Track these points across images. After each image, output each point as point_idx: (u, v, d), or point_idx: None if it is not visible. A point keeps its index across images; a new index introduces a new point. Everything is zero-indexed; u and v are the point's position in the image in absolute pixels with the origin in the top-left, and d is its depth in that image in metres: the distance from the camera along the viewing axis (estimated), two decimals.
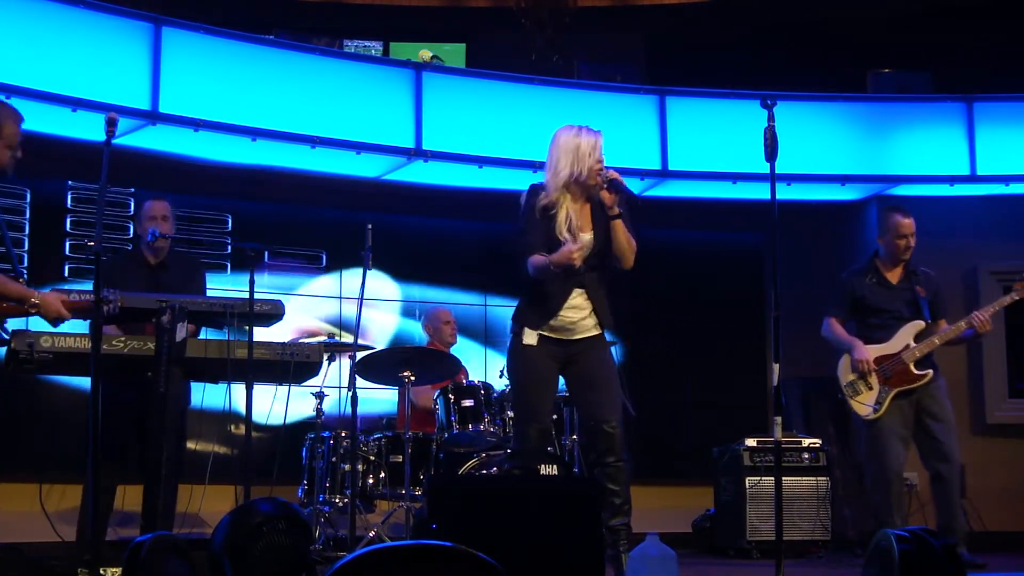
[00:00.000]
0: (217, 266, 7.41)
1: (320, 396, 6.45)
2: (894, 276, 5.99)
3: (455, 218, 8.26)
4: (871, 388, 5.86)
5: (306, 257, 7.86)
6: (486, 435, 6.19)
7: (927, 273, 6.05)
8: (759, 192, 7.41)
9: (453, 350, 7.00)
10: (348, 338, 7.05)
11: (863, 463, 6.10)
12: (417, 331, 7.79)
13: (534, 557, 4.02)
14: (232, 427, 5.92)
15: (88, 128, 6.27)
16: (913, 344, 5.86)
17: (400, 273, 8.07)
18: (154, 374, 4.89)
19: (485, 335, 8.23)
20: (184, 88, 6.62)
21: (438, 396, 6.33)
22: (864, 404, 5.87)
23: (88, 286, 4.85)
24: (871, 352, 5.89)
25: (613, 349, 5.16)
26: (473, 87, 7.59)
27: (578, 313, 4.83)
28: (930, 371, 5.86)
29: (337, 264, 7.90)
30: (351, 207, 7.88)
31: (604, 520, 4.84)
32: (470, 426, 6.16)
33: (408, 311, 8.00)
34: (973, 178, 7.84)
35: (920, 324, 5.90)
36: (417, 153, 7.22)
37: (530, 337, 4.81)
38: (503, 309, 8.22)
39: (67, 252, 6.93)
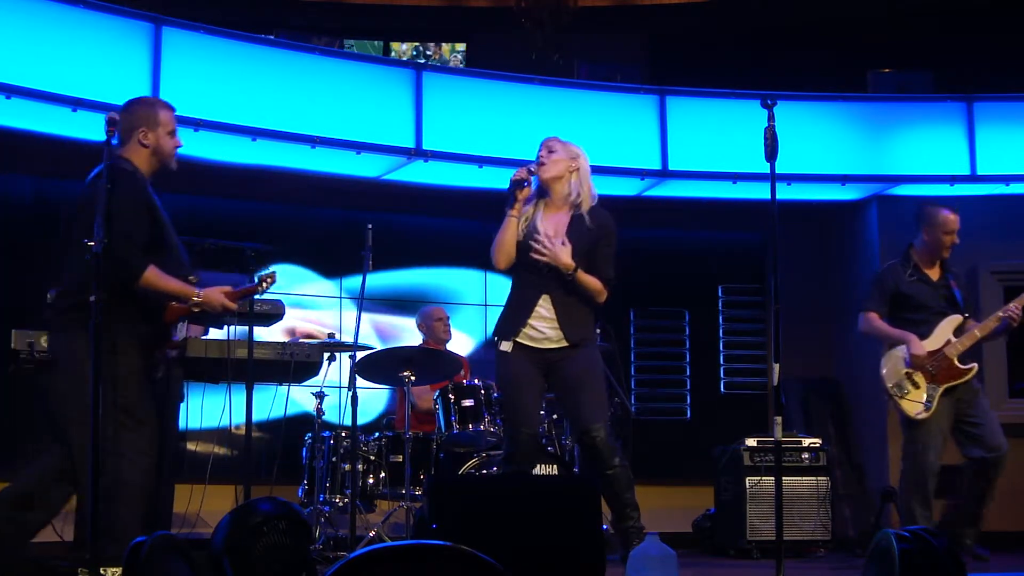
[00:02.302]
0: None
1: (320, 396, 6.45)
2: (933, 273, 5.90)
3: (455, 218, 8.26)
4: (918, 387, 5.73)
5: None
6: (486, 435, 6.19)
7: (956, 272, 5.98)
8: (759, 192, 7.40)
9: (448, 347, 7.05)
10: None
11: (905, 457, 5.92)
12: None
13: (534, 557, 4.02)
14: (232, 427, 5.91)
15: (88, 128, 6.26)
16: (954, 338, 5.77)
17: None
18: None
19: (485, 335, 8.23)
20: (184, 88, 6.61)
21: (438, 396, 6.33)
22: (914, 402, 5.72)
23: None
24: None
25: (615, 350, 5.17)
26: (473, 87, 7.58)
27: (545, 323, 4.86)
28: (974, 365, 5.76)
29: (337, 264, 7.90)
30: (351, 207, 7.88)
31: (613, 523, 4.86)
32: (470, 426, 6.16)
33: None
34: (973, 178, 7.82)
35: (958, 318, 5.80)
36: (417, 153, 7.22)
37: (506, 345, 4.87)
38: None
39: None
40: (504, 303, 5.03)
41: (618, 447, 4.89)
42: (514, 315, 4.89)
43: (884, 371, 5.83)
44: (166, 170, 4.48)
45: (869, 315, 5.92)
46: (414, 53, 9.86)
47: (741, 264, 8.57)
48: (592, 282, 4.85)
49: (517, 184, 4.90)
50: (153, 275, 4.19)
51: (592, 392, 4.85)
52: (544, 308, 4.86)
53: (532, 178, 4.95)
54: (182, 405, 5.52)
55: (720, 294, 8.58)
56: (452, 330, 7.25)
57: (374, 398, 7.66)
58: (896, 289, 5.88)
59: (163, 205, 4.40)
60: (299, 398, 6.78)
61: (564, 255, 4.79)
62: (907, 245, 6.03)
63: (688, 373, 8.53)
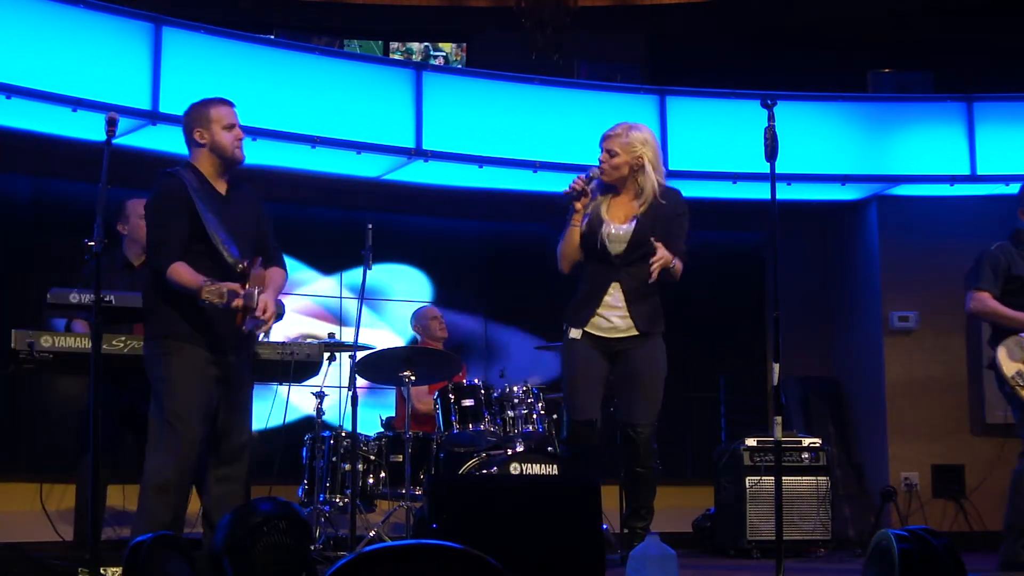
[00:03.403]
0: None
1: (320, 396, 6.45)
2: None
3: (455, 218, 8.26)
4: None
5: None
6: (486, 435, 6.19)
7: None
8: (759, 192, 7.40)
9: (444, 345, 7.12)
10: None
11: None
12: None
13: (535, 557, 4.02)
14: None
15: (88, 128, 6.26)
16: None
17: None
18: None
19: (485, 335, 8.23)
20: (184, 88, 6.60)
21: (437, 396, 6.33)
22: None
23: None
24: None
25: None
26: (473, 87, 7.58)
27: (614, 312, 4.84)
28: None
29: (337, 264, 7.90)
30: (351, 207, 7.88)
31: (624, 520, 4.87)
32: (470, 426, 6.15)
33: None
34: (973, 178, 7.82)
35: None
36: (417, 153, 7.22)
37: (575, 332, 4.86)
38: (503, 310, 8.22)
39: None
40: (571, 295, 4.98)
41: (656, 450, 4.88)
42: (584, 304, 4.86)
43: (1000, 358, 5.41)
44: (234, 164, 4.50)
45: (983, 295, 5.46)
46: (442, 57, 9.86)
47: (741, 264, 8.56)
48: (679, 269, 4.83)
49: (574, 197, 4.85)
50: (175, 271, 4.21)
51: (647, 389, 4.84)
52: (613, 297, 4.84)
53: (593, 183, 4.89)
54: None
55: (719, 294, 8.55)
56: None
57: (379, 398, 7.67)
58: (1008, 270, 5.47)
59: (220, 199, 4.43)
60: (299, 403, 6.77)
61: (668, 261, 4.72)
62: (1015, 228, 5.64)
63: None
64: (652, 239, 4.72)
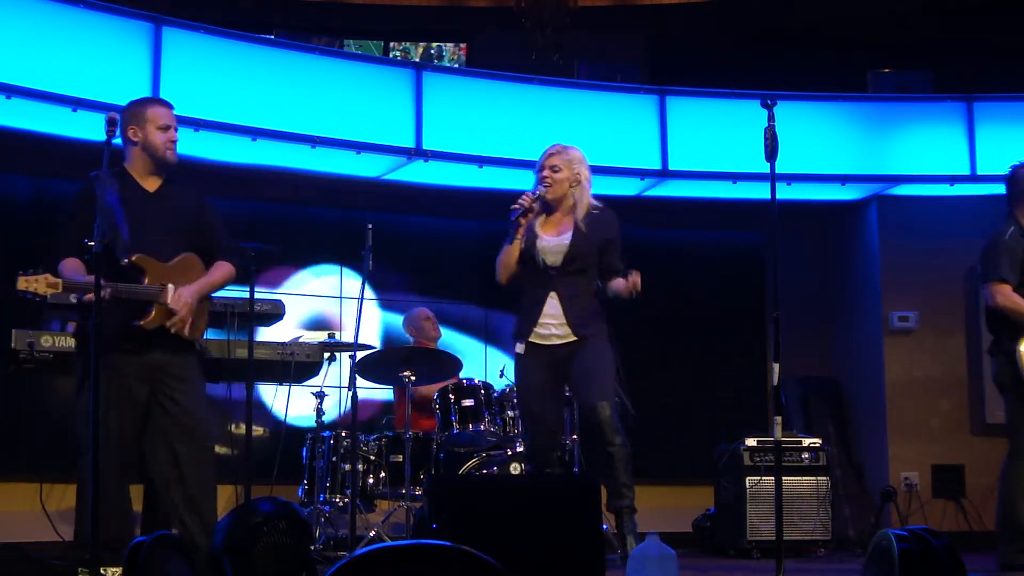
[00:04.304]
0: None
1: (320, 396, 6.45)
2: None
3: (455, 218, 8.26)
4: None
5: None
6: (486, 435, 6.19)
7: None
8: (759, 192, 7.40)
9: (441, 344, 7.17)
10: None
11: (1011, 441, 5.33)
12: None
13: (534, 557, 4.02)
14: (232, 427, 5.91)
15: (88, 128, 6.26)
16: None
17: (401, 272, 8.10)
18: None
19: (485, 336, 8.22)
20: (184, 88, 6.61)
21: (437, 396, 6.33)
22: None
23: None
24: None
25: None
26: (473, 87, 7.58)
27: (553, 320, 4.98)
28: None
29: (337, 264, 7.90)
30: (351, 207, 7.88)
31: (607, 503, 4.91)
32: (470, 426, 6.16)
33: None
34: (973, 178, 7.82)
35: None
36: (417, 153, 7.22)
37: (520, 347, 5.01)
38: (503, 309, 8.21)
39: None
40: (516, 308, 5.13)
41: (621, 428, 4.94)
42: (526, 316, 5.03)
43: (1022, 355, 5.22)
44: (165, 165, 4.48)
45: (1003, 288, 5.20)
46: (449, 57, 9.87)
47: (741, 264, 8.56)
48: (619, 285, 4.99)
49: (522, 214, 4.99)
50: (61, 270, 4.19)
51: (599, 374, 4.95)
52: (551, 307, 4.97)
53: (538, 202, 5.04)
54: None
55: (719, 294, 8.54)
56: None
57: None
58: None
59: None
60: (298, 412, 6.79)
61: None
62: (1008, 211, 5.47)
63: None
64: (634, 271, 4.93)
